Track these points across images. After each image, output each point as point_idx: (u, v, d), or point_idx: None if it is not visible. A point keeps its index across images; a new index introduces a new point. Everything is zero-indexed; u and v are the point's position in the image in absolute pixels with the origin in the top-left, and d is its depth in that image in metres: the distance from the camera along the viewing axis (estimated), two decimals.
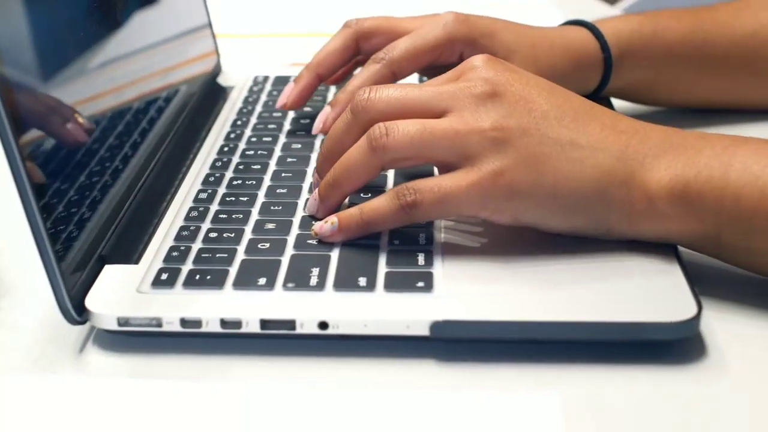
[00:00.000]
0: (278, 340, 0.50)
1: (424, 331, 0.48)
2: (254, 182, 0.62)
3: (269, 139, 0.69)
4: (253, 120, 0.73)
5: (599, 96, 0.71)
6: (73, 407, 0.47)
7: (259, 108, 0.75)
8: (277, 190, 0.61)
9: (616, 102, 0.74)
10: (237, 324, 0.49)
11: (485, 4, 0.77)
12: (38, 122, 0.51)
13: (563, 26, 0.72)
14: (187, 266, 0.53)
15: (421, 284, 0.51)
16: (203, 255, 0.54)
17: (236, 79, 0.82)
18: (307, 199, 0.58)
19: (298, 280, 0.51)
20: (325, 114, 0.66)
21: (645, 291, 0.50)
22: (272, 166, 0.65)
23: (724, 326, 0.50)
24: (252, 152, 0.67)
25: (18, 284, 0.57)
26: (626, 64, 0.70)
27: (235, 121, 0.73)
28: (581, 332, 0.48)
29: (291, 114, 0.74)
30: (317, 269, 0.52)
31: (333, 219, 0.54)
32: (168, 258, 0.54)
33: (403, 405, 0.47)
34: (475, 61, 0.55)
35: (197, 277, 0.52)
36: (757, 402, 0.46)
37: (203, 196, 0.61)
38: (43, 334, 0.52)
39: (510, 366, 0.49)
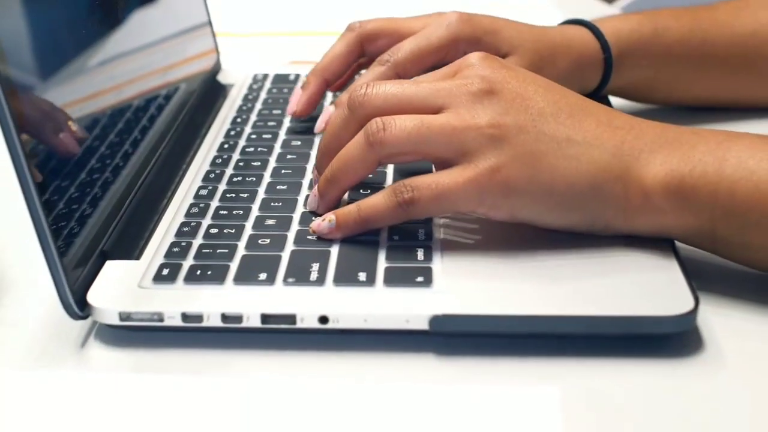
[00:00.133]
0: (279, 334, 0.50)
1: (424, 326, 0.49)
2: (254, 179, 0.63)
3: (269, 136, 0.70)
4: (253, 117, 0.73)
5: (599, 95, 0.71)
6: (76, 402, 0.47)
7: (258, 105, 0.76)
8: (277, 187, 0.61)
9: (614, 100, 0.74)
10: (238, 318, 0.49)
11: (485, 3, 0.78)
12: (41, 119, 0.51)
13: (563, 25, 0.72)
14: (188, 261, 0.53)
15: (420, 279, 0.51)
16: (204, 250, 0.54)
17: (236, 77, 0.82)
18: (308, 196, 0.58)
19: (298, 275, 0.52)
20: (327, 113, 0.66)
21: (642, 285, 0.50)
22: (272, 162, 0.65)
23: (722, 320, 0.51)
24: (252, 149, 0.68)
25: (20, 281, 0.57)
26: (626, 63, 0.70)
27: (235, 118, 0.73)
28: (579, 326, 0.49)
29: None
30: (317, 264, 0.52)
31: (330, 216, 0.55)
32: (169, 253, 0.54)
33: (402, 399, 0.47)
34: (471, 59, 0.55)
35: (198, 272, 0.52)
36: (754, 395, 0.47)
37: (204, 192, 0.61)
38: (45, 330, 0.52)
39: (509, 360, 0.49)
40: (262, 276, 0.51)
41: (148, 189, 0.61)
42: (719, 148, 0.51)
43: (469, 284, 0.51)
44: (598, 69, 0.70)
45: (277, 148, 0.68)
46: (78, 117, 0.56)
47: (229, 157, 0.66)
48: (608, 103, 0.71)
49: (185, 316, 0.49)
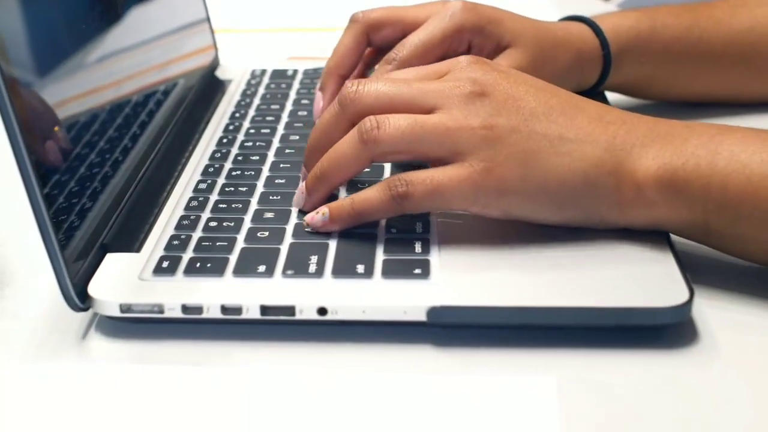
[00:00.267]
0: (278, 326, 0.51)
1: (422, 317, 0.49)
2: (253, 173, 0.63)
3: (267, 131, 0.70)
4: (252, 112, 0.74)
5: (597, 91, 0.72)
6: (77, 393, 0.48)
7: (257, 101, 0.76)
8: (276, 181, 0.62)
9: (612, 96, 0.74)
10: (237, 310, 0.50)
11: (484, 1, 0.78)
12: (42, 114, 0.51)
13: (563, 21, 0.72)
14: (188, 254, 0.53)
15: (418, 271, 0.51)
16: (203, 243, 0.54)
17: (234, 72, 0.83)
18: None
19: (297, 267, 0.52)
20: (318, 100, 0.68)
21: (638, 277, 0.51)
22: (271, 157, 0.66)
23: (716, 312, 0.51)
24: (251, 144, 0.68)
25: (21, 274, 0.58)
26: (625, 60, 0.70)
27: (233, 113, 0.74)
28: (576, 317, 0.49)
29: (289, 106, 0.75)
30: (316, 257, 0.53)
31: (324, 210, 0.55)
32: (169, 246, 0.54)
33: (400, 389, 0.47)
34: (461, 62, 0.55)
35: (198, 264, 0.52)
36: (748, 385, 0.47)
37: (203, 186, 0.61)
38: (46, 322, 0.53)
39: (506, 351, 0.49)
40: (261, 268, 0.52)
41: (148, 183, 0.62)
42: (711, 142, 0.52)
43: (467, 276, 0.51)
44: (597, 65, 0.70)
45: (276, 143, 0.68)
46: (78, 112, 0.56)
47: (228, 152, 0.67)
48: (604, 99, 0.72)
49: (185, 308, 0.50)
